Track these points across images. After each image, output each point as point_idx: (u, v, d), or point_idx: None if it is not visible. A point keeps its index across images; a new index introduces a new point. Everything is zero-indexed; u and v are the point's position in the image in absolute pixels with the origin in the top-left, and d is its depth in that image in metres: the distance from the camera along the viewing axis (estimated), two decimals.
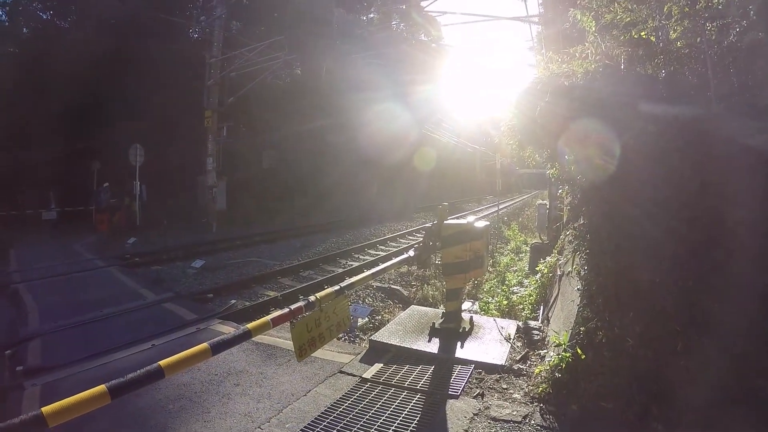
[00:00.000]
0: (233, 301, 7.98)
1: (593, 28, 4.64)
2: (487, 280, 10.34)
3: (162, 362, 2.07)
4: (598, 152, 3.79)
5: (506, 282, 9.86)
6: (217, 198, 20.23)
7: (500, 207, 23.05)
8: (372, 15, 35.88)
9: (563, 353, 3.74)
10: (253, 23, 27.27)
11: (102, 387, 1.86)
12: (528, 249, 12.34)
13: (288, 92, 25.57)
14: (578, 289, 4.31)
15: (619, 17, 4.12)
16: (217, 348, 2.31)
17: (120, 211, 18.56)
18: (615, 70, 4.10)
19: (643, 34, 4.27)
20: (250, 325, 2.55)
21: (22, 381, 4.54)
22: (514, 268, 11.88)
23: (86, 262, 12.04)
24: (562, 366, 3.69)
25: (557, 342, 3.98)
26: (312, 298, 3.01)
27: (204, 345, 2.26)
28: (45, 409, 1.68)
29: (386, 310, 8.41)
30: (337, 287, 3.31)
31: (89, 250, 14.19)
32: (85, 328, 6.46)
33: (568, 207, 5.52)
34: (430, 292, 9.73)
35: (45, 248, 14.47)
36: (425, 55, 33.55)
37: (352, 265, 11.87)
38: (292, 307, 2.83)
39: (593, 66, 4.01)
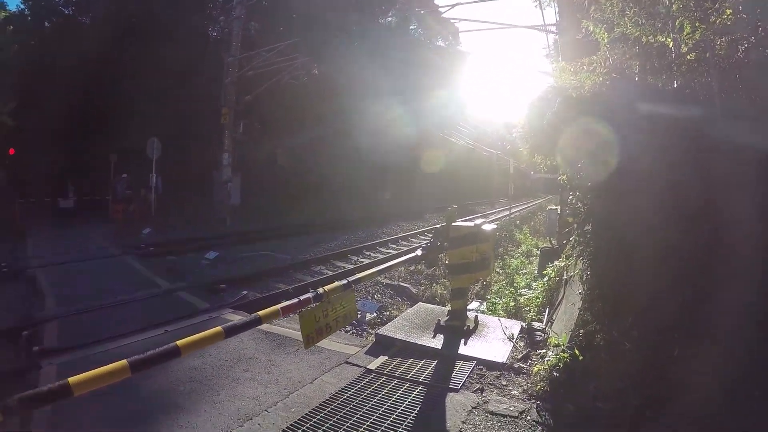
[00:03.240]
0: (245, 293, 8.14)
1: (605, 40, 4.74)
2: (495, 282, 10.44)
3: (179, 342, 2.22)
4: (601, 162, 3.91)
5: (515, 284, 9.94)
6: (232, 193, 20.51)
7: (512, 211, 23.10)
8: (390, 18, 35.99)
9: (561, 354, 3.87)
10: (270, 24, 27.51)
11: (124, 362, 1.99)
12: (538, 253, 12.41)
13: (304, 93, 25.79)
14: (580, 293, 4.43)
15: (628, 30, 4.22)
16: (230, 332, 2.47)
17: (136, 202, 18.91)
18: (621, 83, 4.21)
19: (659, 38, 4.35)
20: (260, 313, 2.70)
21: (38, 361, 4.67)
22: (524, 271, 11.92)
23: (102, 250, 12.35)
24: (560, 366, 3.82)
25: (556, 343, 4.11)
26: (320, 290, 3.17)
27: (218, 328, 2.41)
28: (71, 380, 1.82)
29: (394, 307, 8.56)
30: (344, 281, 3.46)
31: (105, 238, 14.51)
32: (100, 313, 6.67)
33: (575, 213, 5.63)
34: (439, 291, 9.87)
35: (62, 236, 14.78)
36: (442, 60, 33.62)
37: (362, 261, 12.05)
38: (301, 297, 2.98)
39: (600, 78, 4.13)
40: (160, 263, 10.82)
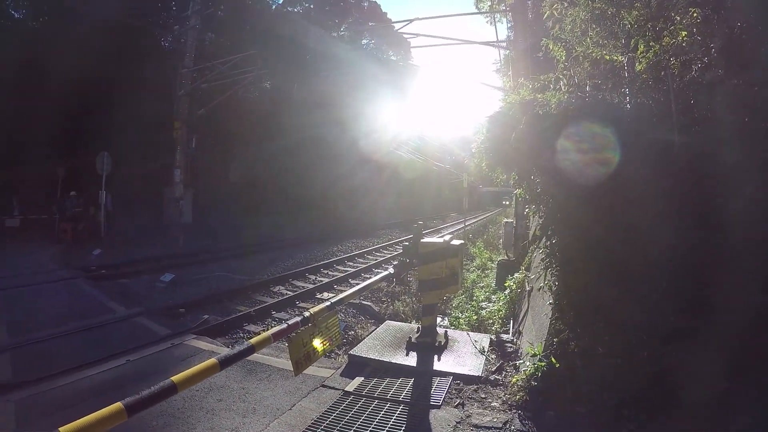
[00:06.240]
0: (206, 317, 7.91)
1: (563, 58, 4.98)
2: (455, 296, 10.57)
3: (174, 378, 2.15)
4: (568, 177, 4.09)
5: (474, 298, 10.12)
6: (184, 210, 19.83)
7: (466, 224, 23.56)
8: (343, 32, 36.25)
9: (538, 363, 3.98)
10: (226, 35, 27.07)
11: (118, 405, 1.90)
12: (494, 266, 12.70)
13: (258, 107, 25.40)
14: (550, 303, 4.57)
15: (590, 50, 4.46)
16: (225, 363, 2.41)
17: (85, 221, 17.94)
18: (585, 102, 4.43)
19: (608, 57, 4.61)
20: (252, 341, 2.65)
21: None
22: (481, 285, 12.16)
23: (51, 272, 11.62)
24: (537, 375, 3.93)
25: (532, 352, 4.21)
26: (306, 313, 3.13)
27: (212, 360, 2.35)
28: (62, 429, 1.70)
29: (359, 326, 8.53)
30: (328, 303, 3.44)
31: (53, 260, 13.65)
32: (55, 342, 6.28)
33: (538, 226, 5.83)
34: (401, 308, 9.90)
35: (7, 257, 13.83)
36: (394, 74, 34.10)
37: (321, 281, 11.91)
38: (290, 322, 2.95)
39: (566, 96, 4.33)
40: (113, 286, 10.33)
